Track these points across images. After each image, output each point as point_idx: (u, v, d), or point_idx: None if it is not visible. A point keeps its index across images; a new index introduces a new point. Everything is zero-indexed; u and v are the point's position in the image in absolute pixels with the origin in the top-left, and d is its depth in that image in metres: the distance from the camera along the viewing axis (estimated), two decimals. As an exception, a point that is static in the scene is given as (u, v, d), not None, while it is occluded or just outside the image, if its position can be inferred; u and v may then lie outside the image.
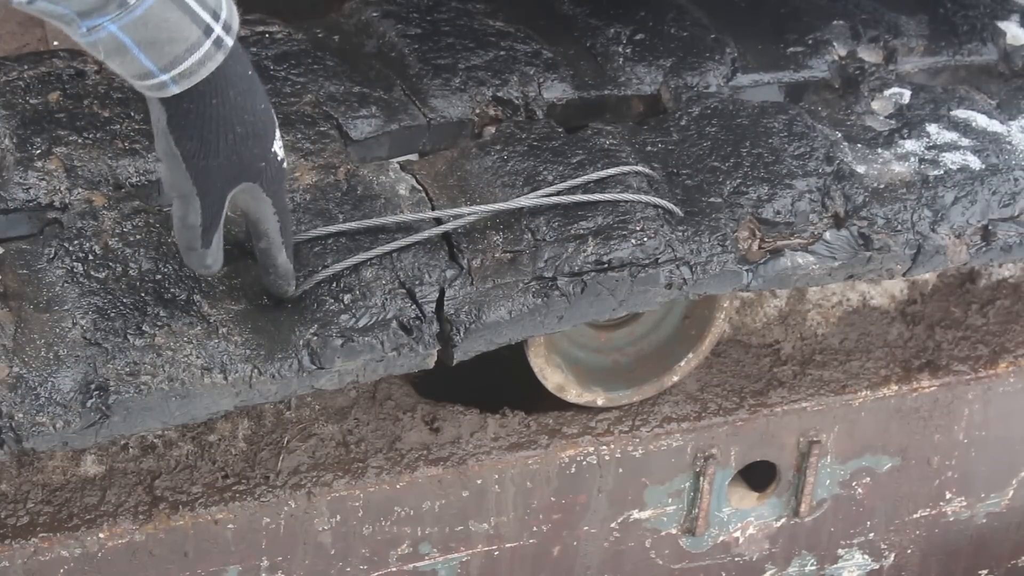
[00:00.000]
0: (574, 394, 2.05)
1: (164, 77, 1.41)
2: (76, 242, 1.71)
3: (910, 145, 2.07)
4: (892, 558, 2.43)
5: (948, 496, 2.39)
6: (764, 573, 2.34)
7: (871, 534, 2.38)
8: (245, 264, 1.73)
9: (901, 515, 2.38)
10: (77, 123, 1.83)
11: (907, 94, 2.16)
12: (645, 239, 1.82)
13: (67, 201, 1.76)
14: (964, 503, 2.41)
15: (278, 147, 1.56)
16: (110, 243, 1.72)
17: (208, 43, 1.41)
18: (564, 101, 2.04)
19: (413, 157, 1.96)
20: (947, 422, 2.30)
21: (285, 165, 1.58)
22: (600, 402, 2.08)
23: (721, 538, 2.26)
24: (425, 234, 1.78)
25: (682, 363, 2.10)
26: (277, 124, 1.56)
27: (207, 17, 1.40)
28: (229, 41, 1.43)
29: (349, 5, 2.15)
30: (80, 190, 1.76)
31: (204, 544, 1.87)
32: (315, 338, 1.68)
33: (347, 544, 1.97)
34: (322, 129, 1.89)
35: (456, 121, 1.98)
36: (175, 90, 1.43)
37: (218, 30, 1.41)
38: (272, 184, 1.57)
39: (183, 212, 1.55)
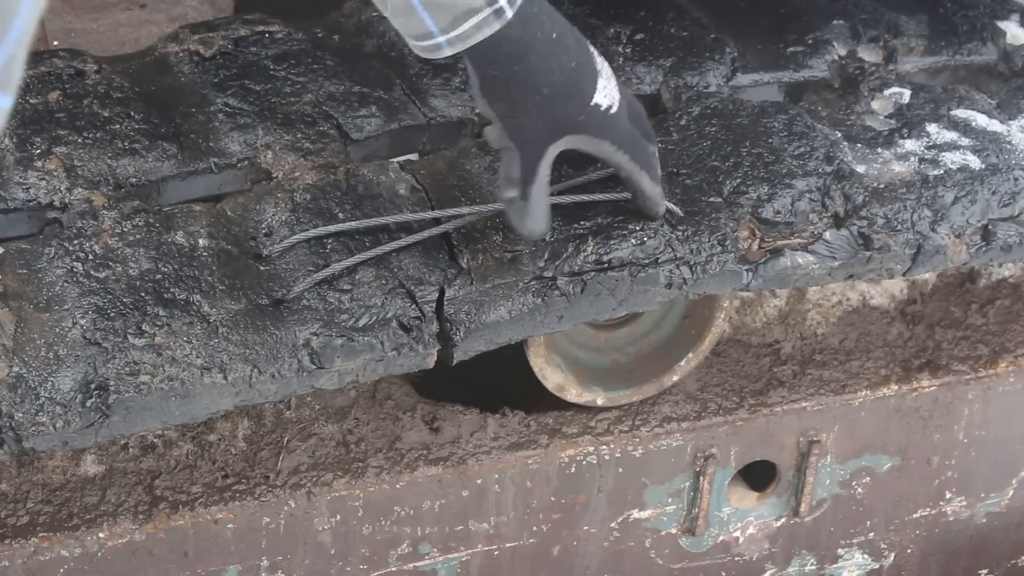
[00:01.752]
0: (574, 394, 2.05)
1: (441, 39, 1.51)
2: (76, 242, 1.71)
3: (910, 145, 2.06)
4: (892, 558, 2.43)
5: (948, 496, 2.39)
6: (764, 573, 2.34)
7: (871, 534, 2.38)
8: (245, 264, 1.73)
9: (901, 515, 2.38)
10: (77, 123, 1.83)
11: (907, 94, 2.16)
12: (645, 239, 1.82)
13: (67, 201, 1.76)
14: (964, 503, 2.41)
15: (601, 98, 1.64)
16: (110, 243, 1.72)
17: (488, 11, 1.50)
18: (564, 101, 2.04)
19: (413, 157, 1.96)
20: (947, 422, 2.30)
21: (615, 110, 1.66)
22: (600, 402, 2.08)
23: (721, 538, 2.26)
24: (425, 234, 1.79)
25: (682, 363, 2.10)
26: (600, 76, 1.64)
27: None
28: (509, 12, 1.52)
29: (349, 5, 2.15)
30: (80, 190, 1.76)
31: (204, 544, 1.87)
32: (315, 338, 1.68)
33: (347, 544, 1.97)
34: (322, 129, 1.90)
35: (456, 121, 1.98)
36: (448, 51, 1.53)
37: (501, 1, 1.50)
38: (603, 131, 1.66)
39: (506, 166, 1.66)
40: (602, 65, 1.66)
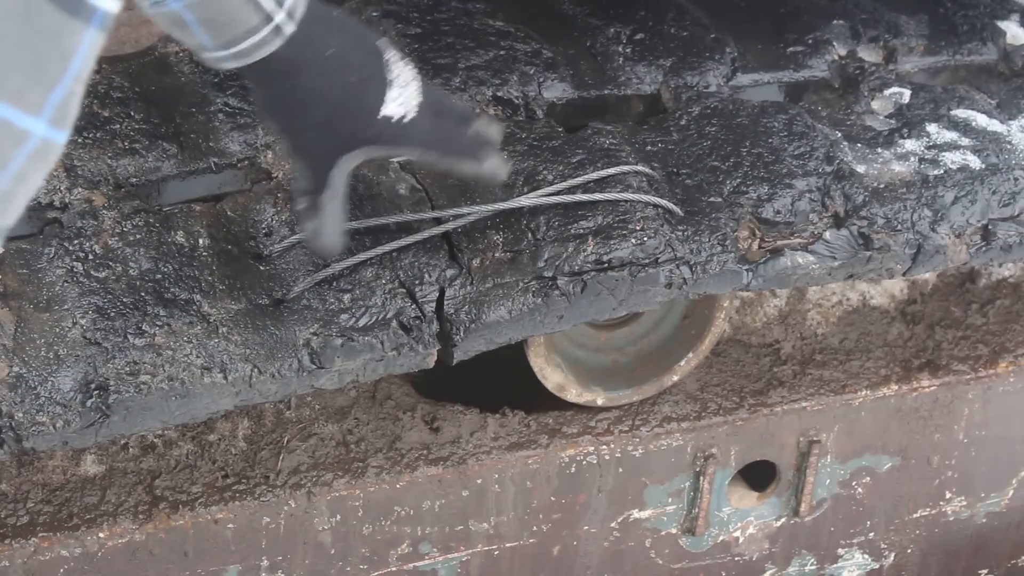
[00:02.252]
0: (574, 394, 2.05)
1: (222, 53, 1.44)
2: (76, 242, 1.71)
3: (910, 145, 2.06)
4: (892, 558, 2.43)
5: (948, 496, 2.39)
6: (764, 573, 2.34)
7: (871, 534, 2.38)
8: (245, 264, 1.73)
9: (901, 515, 2.38)
10: (77, 122, 1.82)
11: (907, 94, 2.16)
12: (645, 239, 1.82)
13: (67, 201, 1.76)
14: (964, 503, 2.41)
15: (393, 109, 1.56)
16: (110, 243, 1.72)
17: (267, 30, 1.43)
18: (564, 101, 2.04)
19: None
20: (947, 422, 2.30)
21: (411, 116, 1.57)
22: (600, 402, 2.08)
23: (721, 538, 2.26)
24: (425, 234, 1.78)
25: (682, 363, 2.10)
26: (391, 86, 1.55)
27: (270, 5, 1.40)
28: (289, 28, 1.44)
29: (349, 5, 2.15)
30: (80, 190, 1.76)
31: (204, 544, 1.87)
32: (315, 338, 1.68)
33: (347, 544, 1.97)
34: (322, 129, 1.89)
35: (456, 121, 1.98)
36: (232, 64, 1.45)
37: (279, 18, 1.43)
38: (401, 139, 1.58)
39: (296, 177, 1.60)
40: (397, 73, 1.57)
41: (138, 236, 1.73)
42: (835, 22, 2.26)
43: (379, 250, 1.76)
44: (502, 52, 2.06)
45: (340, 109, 1.53)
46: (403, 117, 1.57)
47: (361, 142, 1.56)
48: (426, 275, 1.76)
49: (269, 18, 1.41)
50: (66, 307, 1.65)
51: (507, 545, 2.10)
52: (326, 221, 1.60)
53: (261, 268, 1.73)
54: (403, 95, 1.57)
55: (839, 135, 2.05)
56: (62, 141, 0.96)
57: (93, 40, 0.94)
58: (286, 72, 1.48)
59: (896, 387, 2.24)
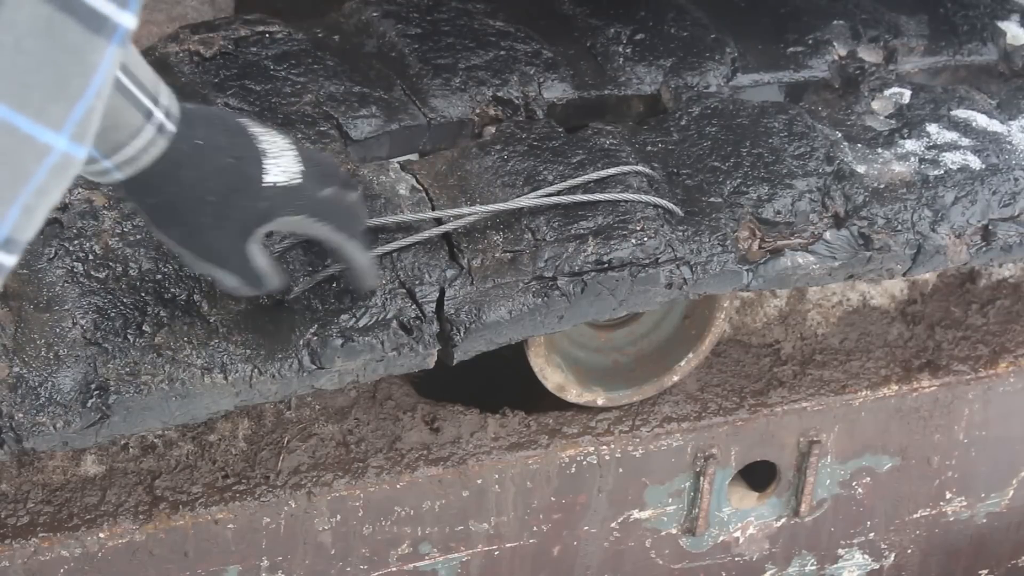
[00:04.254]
0: (574, 394, 2.05)
1: (107, 164, 1.40)
2: (76, 242, 1.71)
3: (910, 145, 2.07)
4: (892, 558, 2.43)
5: (948, 496, 2.39)
6: (764, 573, 2.34)
7: (871, 534, 2.38)
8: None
9: (901, 515, 2.38)
10: (77, 123, 1.83)
11: (907, 94, 2.16)
12: (645, 239, 1.82)
13: (67, 201, 1.75)
14: (964, 503, 2.41)
15: (275, 176, 1.54)
16: (110, 243, 1.72)
17: (151, 129, 1.39)
18: (564, 101, 2.04)
19: (413, 157, 1.96)
20: (947, 422, 2.30)
21: (298, 180, 1.55)
22: (600, 402, 2.08)
23: (721, 538, 2.26)
24: (425, 234, 1.78)
25: (682, 363, 2.10)
26: (266, 156, 1.54)
27: (148, 102, 1.38)
28: (171, 127, 1.42)
29: (349, 5, 2.15)
30: (80, 189, 1.76)
31: (204, 544, 1.87)
32: (315, 338, 1.68)
33: (347, 544, 1.97)
34: (322, 129, 1.89)
35: (456, 121, 1.98)
36: (119, 176, 1.41)
37: (159, 115, 1.40)
38: (293, 206, 1.55)
39: (219, 282, 1.58)
40: (269, 142, 1.54)
41: (138, 236, 1.73)
42: (835, 22, 2.26)
43: (379, 250, 1.76)
44: (502, 52, 2.06)
45: (228, 192, 1.50)
46: (290, 181, 1.55)
47: (261, 217, 1.53)
48: (426, 275, 1.76)
49: (149, 113, 1.38)
50: (66, 307, 1.65)
51: (507, 545, 2.10)
52: (266, 281, 1.59)
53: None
54: (281, 162, 1.55)
55: (839, 135, 2.05)
56: (82, 156, 0.96)
57: (113, 56, 0.94)
58: (167, 173, 1.45)
59: (896, 387, 2.24)
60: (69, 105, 0.94)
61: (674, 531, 2.21)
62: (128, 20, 0.94)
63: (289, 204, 1.55)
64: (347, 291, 1.72)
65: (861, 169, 1.99)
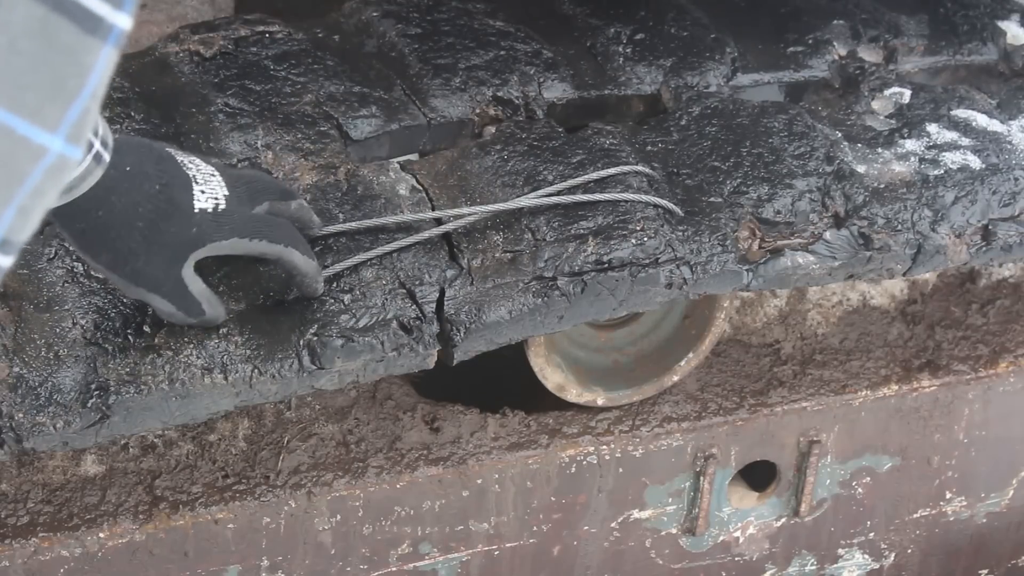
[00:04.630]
0: (574, 394, 2.05)
1: None
2: (76, 242, 1.71)
3: (910, 145, 2.06)
4: (892, 558, 2.43)
5: (948, 496, 2.39)
6: (764, 573, 2.34)
7: (871, 534, 2.38)
8: (245, 264, 1.73)
9: (901, 515, 2.38)
10: (77, 123, 1.83)
11: (907, 94, 2.16)
12: (645, 239, 1.82)
13: (67, 201, 1.75)
14: (964, 503, 2.41)
15: (204, 203, 1.55)
16: (110, 243, 1.72)
17: (89, 158, 1.39)
18: (564, 101, 2.04)
19: (413, 157, 1.96)
20: (947, 422, 2.30)
21: (225, 205, 1.57)
22: (600, 402, 2.08)
23: (721, 538, 2.26)
24: (425, 234, 1.78)
25: (682, 363, 2.10)
26: (193, 182, 1.55)
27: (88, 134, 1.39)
28: (107, 156, 1.42)
29: (349, 5, 2.15)
30: (80, 190, 1.76)
31: (204, 544, 1.87)
32: (315, 338, 1.68)
33: (347, 544, 1.97)
34: (322, 129, 1.89)
35: (456, 121, 1.98)
36: (65, 199, 1.41)
37: (97, 145, 1.40)
38: (224, 230, 1.57)
39: (155, 308, 1.58)
40: (194, 169, 1.56)
41: (138, 236, 1.73)
42: (835, 22, 2.26)
43: (379, 250, 1.76)
44: (502, 52, 2.06)
45: (157, 218, 1.51)
46: (217, 206, 1.56)
47: (193, 244, 1.55)
48: (426, 275, 1.76)
49: (90, 145, 1.39)
50: (66, 307, 1.65)
51: (507, 545, 2.10)
52: (212, 310, 1.60)
53: (261, 268, 1.73)
54: (207, 186, 1.56)
55: (839, 135, 2.05)
56: (77, 158, 0.96)
57: (108, 57, 0.94)
58: (98, 198, 1.46)
59: (896, 387, 2.24)
60: (64, 106, 0.93)
61: (674, 531, 2.21)
62: (123, 21, 0.94)
63: (219, 229, 1.56)
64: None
65: (861, 169, 1.99)
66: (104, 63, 0.94)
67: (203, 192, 1.56)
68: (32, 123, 0.92)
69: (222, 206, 1.58)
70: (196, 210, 1.55)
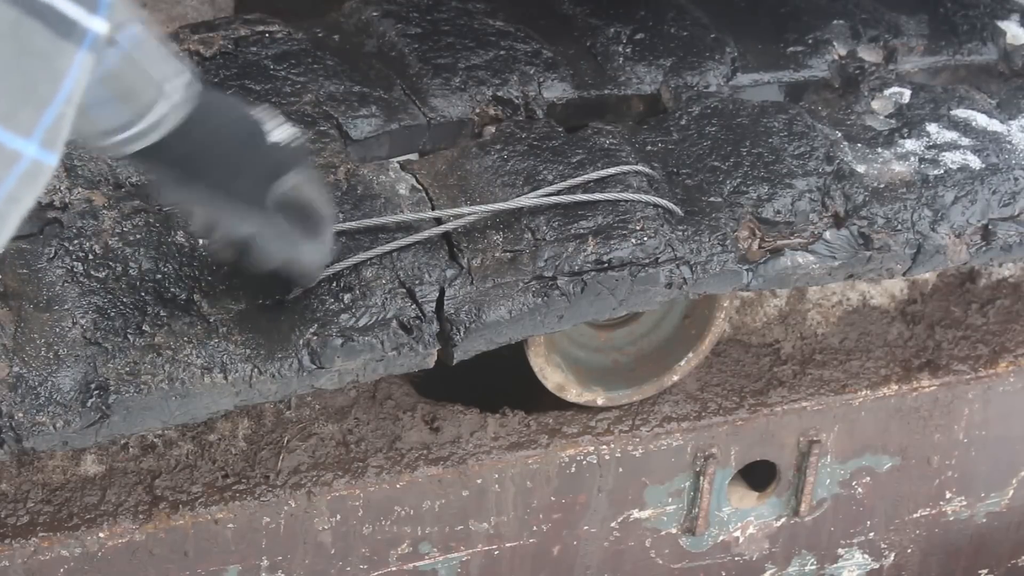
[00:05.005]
0: (574, 393, 2.05)
1: (132, 131, 1.41)
2: (76, 241, 1.71)
3: (910, 144, 2.06)
4: (892, 557, 2.43)
5: (948, 496, 2.39)
6: (764, 573, 2.34)
7: (871, 533, 2.38)
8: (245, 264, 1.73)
9: (901, 515, 2.38)
10: (77, 123, 1.83)
11: (907, 94, 2.16)
12: (645, 238, 1.82)
13: (67, 200, 1.76)
14: (964, 503, 2.41)
15: (279, 135, 1.57)
16: (110, 243, 1.72)
17: (176, 96, 1.41)
18: (564, 101, 2.04)
19: (413, 157, 1.96)
20: (947, 422, 2.30)
21: (299, 142, 1.60)
22: (600, 401, 2.08)
23: (721, 538, 2.26)
24: (425, 234, 1.78)
25: (682, 362, 2.10)
26: (266, 120, 1.57)
27: (172, 73, 1.41)
28: (189, 94, 1.44)
29: (349, 5, 2.15)
30: (80, 189, 1.76)
31: (204, 543, 1.87)
32: (315, 338, 1.68)
33: (347, 543, 1.97)
34: (322, 129, 1.89)
35: (456, 121, 1.98)
36: (139, 145, 1.43)
37: (180, 83, 1.42)
38: (300, 163, 1.59)
39: (297, 260, 1.60)
40: (259, 113, 1.60)
41: (138, 236, 1.73)
42: (835, 22, 2.26)
43: (379, 250, 1.76)
44: (502, 52, 2.06)
45: (239, 146, 1.54)
46: (291, 141, 1.58)
47: (272, 172, 1.56)
48: (426, 275, 1.76)
49: (171, 84, 1.41)
50: (66, 307, 1.65)
51: (507, 545, 2.10)
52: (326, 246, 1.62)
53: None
54: (279, 123, 1.59)
55: (839, 135, 2.05)
56: (53, 163, 0.96)
57: (84, 62, 0.94)
58: (183, 133, 1.48)
59: (896, 387, 2.24)
60: (38, 111, 0.93)
61: (674, 531, 2.21)
62: (98, 25, 0.93)
63: (297, 161, 1.58)
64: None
65: (861, 169, 1.99)
66: (79, 68, 0.94)
67: (276, 128, 1.58)
68: (6, 128, 0.91)
69: (297, 141, 1.60)
70: (271, 142, 1.56)
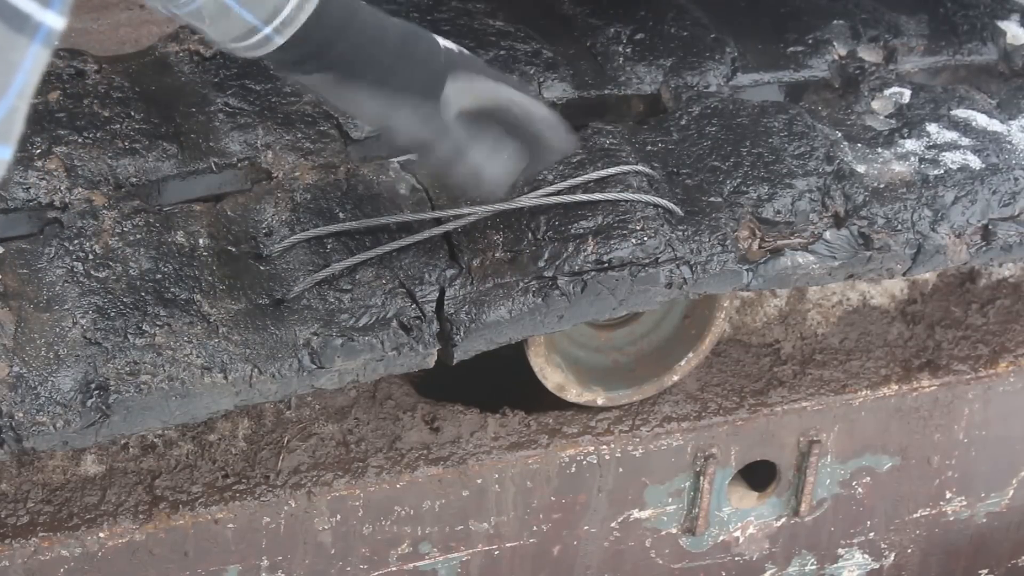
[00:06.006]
0: (574, 393, 2.05)
1: (267, 30, 1.43)
2: (76, 242, 1.71)
3: (910, 144, 2.06)
4: (892, 558, 2.43)
5: (948, 496, 2.39)
6: (764, 573, 2.34)
7: (871, 534, 2.38)
8: (245, 264, 1.73)
9: (901, 515, 2.38)
10: (77, 123, 1.83)
11: (907, 94, 2.16)
12: (645, 238, 1.82)
13: (67, 200, 1.76)
14: (964, 503, 2.41)
15: (447, 44, 1.57)
16: (110, 243, 1.72)
17: (259, 36, 1.43)
18: (564, 100, 2.04)
19: (413, 156, 1.96)
20: (947, 422, 2.30)
21: (465, 52, 1.59)
22: (600, 401, 2.08)
23: (721, 538, 2.26)
24: (425, 234, 1.78)
25: (682, 362, 2.10)
26: (429, 32, 1.57)
27: (256, 21, 1.42)
28: (279, 39, 1.45)
29: (349, 5, 2.15)
30: (80, 189, 1.76)
31: (204, 544, 1.87)
32: (315, 338, 1.68)
33: (347, 544, 1.97)
34: (322, 129, 1.89)
35: (456, 121, 1.98)
36: (279, 41, 1.45)
37: (267, 30, 1.43)
38: (470, 66, 1.58)
39: (450, 144, 1.58)
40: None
41: (138, 236, 1.73)
42: (835, 22, 2.26)
43: (379, 250, 1.76)
44: (502, 52, 2.06)
45: (405, 38, 1.53)
46: (462, 50, 1.58)
47: (439, 73, 1.55)
48: (426, 275, 1.76)
49: (255, 30, 1.42)
50: (66, 307, 1.65)
51: (507, 545, 2.10)
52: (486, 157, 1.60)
53: (261, 268, 1.73)
54: (446, 41, 1.58)
55: (839, 135, 2.05)
56: (7, 157, 0.95)
57: (37, 56, 0.93)
58: (335, 28, 1.47)
59: (896, 387, 2.24)
60: None
61: (674, 531, 2.21)
62: (52, 19, 0.93)
63: (468, 64, 1.57)
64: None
65: (861, 169, 1.99)
66: (32, 62, 0.93)
67: (443, 40, 1.58)
68: None
69: (465, 52, 1.59)
70: (442, 46, 1.56)
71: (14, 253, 1.71)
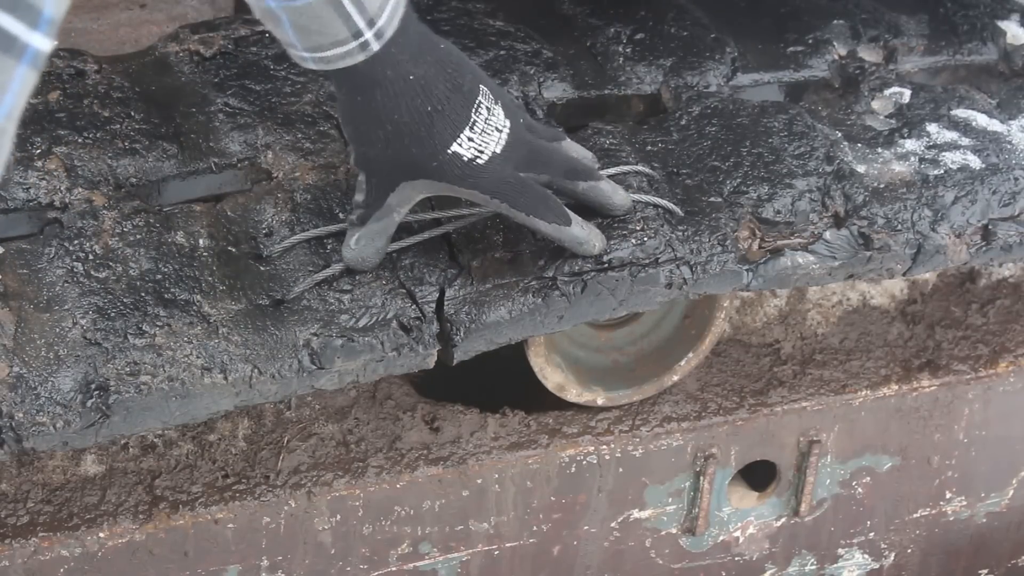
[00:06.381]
0: (574, 393, 2.05)
1: (306, 55, 1.51)
2: (76, 242, 1.71)
3: (910, 144, 2.06)
4: (892, 558, 2.43)
5: (948, 496, 2.39)
6: (764, 573, 2.34)
7: (871, 534, 2.38)
8: (245, 264, 1.73)
9: (901, 515, 2.38)
10: (77, 123, 1.83)
11: (907, 93, 2.16)
12: (645, 239, 1.82)
13: (67, 201, 1.76)
14: (964, 503, 2.41)
15: (463, 149, 1.58)
16: (110, 243, 1.72)
17: (354, 44, 1.48)
18: (564, 100, 2.04)
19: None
20: (947, 422, 2.30)
21: (483, 161, 1.60)
22: (600, 401, 2.08)
23: (721, 538, 2.26)
24: (425, 234, 1.78)
25: (682, 362, 2.10)
26: (471, 127, 1.58)
27: (361, 23, 1.47)
28: (375, 47, 1.49)
29: (349, 5, 2.15)
30: (80, 190, 1.76)
31: (204, 544, 1.87)
32: (315, 338, 1.68)
33: (347, 544, 1.97)
34: (322, 129, 1.89)
35: (456, 121, 1.98)
36: (313, 67, 1.52)
37: (368, 35, 1.48)
38: (467, 180, 1.60)
39: (357, 188, 1.65)
40: (484, 117, 1.59)
41: (138, 236, 1.73)
42: (835, 22, 2.26)
43: (379, 250, 1.76)
44: (502, 52, 2.06)
45: (407, 134, 1.56)
46: (475, 159, 1.59)
47: (427, 172, 1.59)
48: (426, 275, 1.76)
49: (359, 34, 1.47)
50: (66, 307, 1.65)
51: (507, 545, 2.10)
52: (365, 239, 1.66)
53: (261, 268, 1.73)
54: (480, 139, 1.59)
55: (839, 135, 2.05)
56: None
57: (24, 77, 0.93)
58: (363, 86, 1.53)
59: (896, 387, 2.24)
60: None
61: (674, 531, 2.21)
62: (39, 41, 0.92)
63: (465, 177, 1.60)
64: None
65: (861, 169, 1.99)
66: (19, 83, 0.93)
67: (470, 140, 1.58)
68: None
69: (480, 161, 1.60)
70: (449, 151, 1.58)
71: (14, 253, 1.71)
